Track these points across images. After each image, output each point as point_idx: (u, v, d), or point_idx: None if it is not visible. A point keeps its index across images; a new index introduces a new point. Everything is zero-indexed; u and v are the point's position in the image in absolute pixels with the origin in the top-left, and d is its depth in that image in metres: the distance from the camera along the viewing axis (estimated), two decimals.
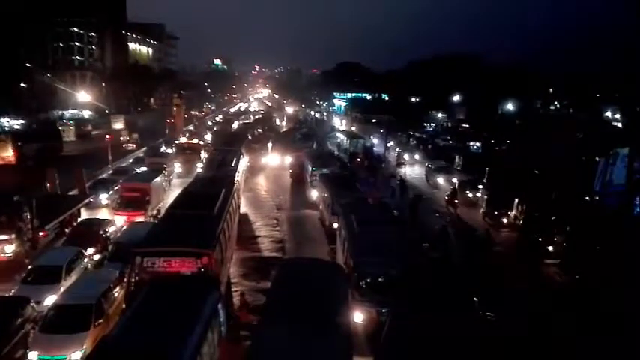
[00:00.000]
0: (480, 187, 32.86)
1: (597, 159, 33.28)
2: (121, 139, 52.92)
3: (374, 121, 75.54)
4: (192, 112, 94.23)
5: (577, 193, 30.47)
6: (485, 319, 15.57)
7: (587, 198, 30.62)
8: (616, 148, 32.03)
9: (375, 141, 57.26)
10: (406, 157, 49.97)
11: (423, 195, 33.28)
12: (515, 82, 70.03)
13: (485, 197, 30.32)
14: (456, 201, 31.35)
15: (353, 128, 73.06)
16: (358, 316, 14.19)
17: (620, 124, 59.98)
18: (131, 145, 51.57)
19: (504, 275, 20.50)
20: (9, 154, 38.22)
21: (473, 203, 31.83)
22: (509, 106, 71.23)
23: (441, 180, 38.06)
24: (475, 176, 35.74)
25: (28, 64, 77.25)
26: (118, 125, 61.17)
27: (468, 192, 32.74)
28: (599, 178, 31.50)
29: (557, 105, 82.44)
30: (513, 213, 28.05)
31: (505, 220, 27.96)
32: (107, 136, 42.36)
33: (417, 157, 52.26)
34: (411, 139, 65.67)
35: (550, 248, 22.54)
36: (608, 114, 67.61)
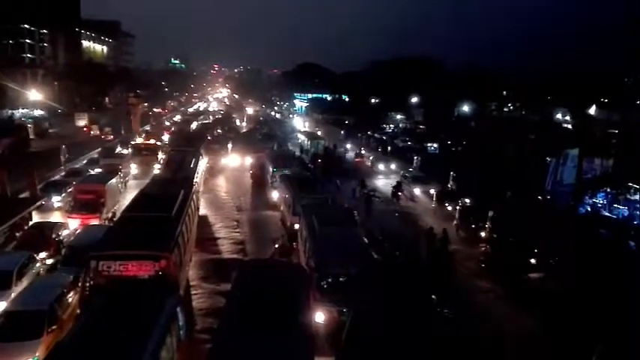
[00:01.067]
0: (466, 200, 29.59)
1: (548, 159, 34.71)
2: (92, 133, 57.69)
3: (333, 121, 76.21)
4: (155, 110, 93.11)
5: (529, 192, 31.60)
6: (443, 317, 15.96)
7: (540, 197, 31.86)
8: (566, 148, 33.51)
9: (335, 141, 57.76)
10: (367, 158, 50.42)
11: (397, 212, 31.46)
12: (471, 85, 71.98)
13: (459, 208, 28.49)
14: (400, 194, 34.70)
15: (315, 129, 73.37)
16: (319, 317, 14.27)
17: (570, 126, 62.69)
18: (110, 136, 55.38)
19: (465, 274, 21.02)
20: None
21: (451, 216, 29.21)
22: (465, 109, 73.15)
23: (417, 192, 36.02)
24: (452, 186, 35.20)
25: None
26: (82, 122, 63.60)
27: (446, 204, 31.41)
28: (550, 178, 32.85)
29: (511, 107, 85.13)
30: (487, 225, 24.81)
31: (483, 234, 24.92)
32: (85, 128, 50.71)
33: (373, 158, 51.20)
34: (370, 140, 66.49)
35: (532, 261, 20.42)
36: (559, 116, 70.43)
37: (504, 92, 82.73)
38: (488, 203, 25.99)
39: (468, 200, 29.20)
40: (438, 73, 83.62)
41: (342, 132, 69.43)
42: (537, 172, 34.07)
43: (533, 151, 42.40)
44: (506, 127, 56.87)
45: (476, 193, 30.22)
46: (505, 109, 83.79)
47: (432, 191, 34.21)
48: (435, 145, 57.72)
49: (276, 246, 21.49)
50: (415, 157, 47.31)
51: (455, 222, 27.75)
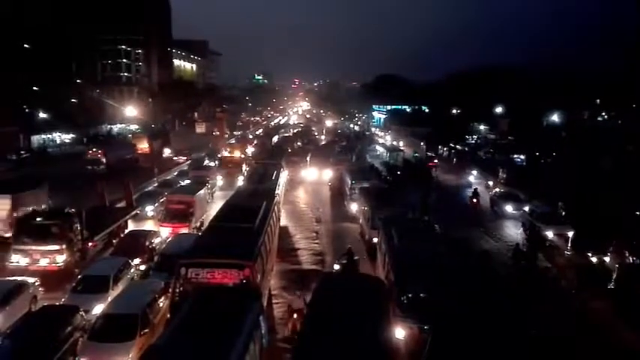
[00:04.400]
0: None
1: None
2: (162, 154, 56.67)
3: (413, 132, 75.20)
4: (248, 119, 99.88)
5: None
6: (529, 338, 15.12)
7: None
8: None
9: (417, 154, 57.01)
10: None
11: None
12: (560, 92, 68.25)
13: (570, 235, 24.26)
14: (475, 200, 33.71)
15: (394, 141, 72.68)
16: (399, 333, 13.99)
17: None
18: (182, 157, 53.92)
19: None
20: (145, 146, 54.55)
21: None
22: (555, 118, 69.36)
23: (550, 234, 26.25)
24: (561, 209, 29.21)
25: (78, 80, 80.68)
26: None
27: (590, 253, 23.09)
28: None
29: (605, 116, 79.64)
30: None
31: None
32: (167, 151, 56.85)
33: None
34: (452, 152, 64.77)
35: None
36: None
37: (597, 100, 77.67)
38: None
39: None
40: (522, 80, 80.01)
41: (422, 143, 68.28)
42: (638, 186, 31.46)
43: (632, 163, 39.28)
44: (600, 137, 53.22)
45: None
46: (599, 118, 78.54)
47: (570, 234, 25.70)
48: (522, 156, 55.12)
49: (342, 262, 20.41)
50: (501, 170, 45.37)
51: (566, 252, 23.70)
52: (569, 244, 24.98)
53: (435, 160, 52.64)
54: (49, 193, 27.91)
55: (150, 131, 68.04)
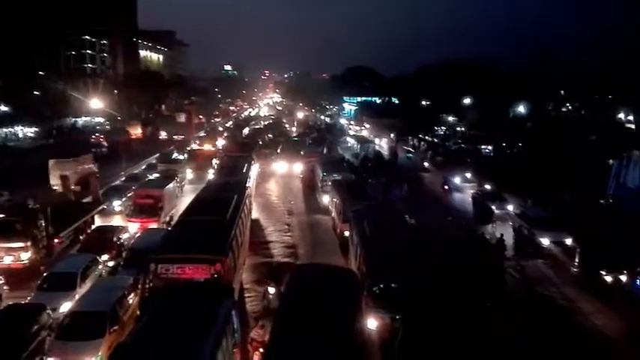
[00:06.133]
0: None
1: (611, 161, 33.04)
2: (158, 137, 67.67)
3: (383, 124, 75.71)
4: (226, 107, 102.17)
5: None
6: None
7: (602, 201, 30.40)
8: (630, 149, 31.79)
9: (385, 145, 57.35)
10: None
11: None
12: (526, 85, 69.64)
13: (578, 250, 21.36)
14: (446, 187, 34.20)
15: (364, 132, 73.00)
16: (371, 323, 14.16)
17: (633, 126, 59.44)
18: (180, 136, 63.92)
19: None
20: (139, 132, 67.69)
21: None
22: (521, 109, 70.79)
23: (546, 241, 23.89)
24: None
25: (41, 72, 78.22)
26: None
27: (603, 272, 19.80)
28: (612, 181, 31.28)
29: (570, 107, 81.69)
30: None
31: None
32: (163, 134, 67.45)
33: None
34: (421, 143, 65.50)
35: None
36: (621, 115, 66.88)
37: (562, 92, 79.55)
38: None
39: None
40: (491, 74, 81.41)
41: (392, 135, 68.80)
42: (598, 175, 32.50)
43: (593, 153, 40.47)
44: (564, 128, 54.61)
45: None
46: (563, 110, 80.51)
47: (569, 242, 23.27)
48: (490, 147, 56.15)
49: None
50: (468, 160, 45.86)
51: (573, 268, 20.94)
52: (577, 260, 20.91)
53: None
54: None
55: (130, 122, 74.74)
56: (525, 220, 25.71)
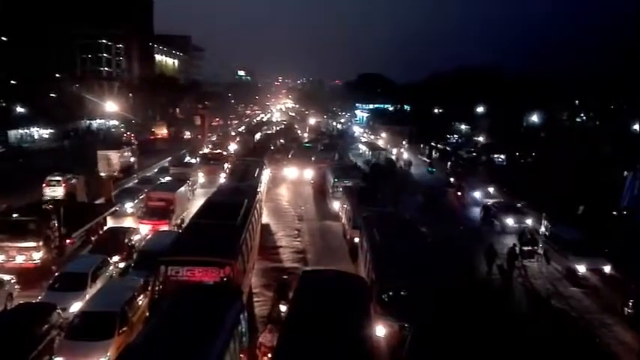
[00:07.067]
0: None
1: (625, 173, 32.58)
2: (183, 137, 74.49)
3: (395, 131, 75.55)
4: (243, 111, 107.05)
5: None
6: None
7: (615, 213, 29.95)
8: None
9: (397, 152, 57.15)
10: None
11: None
12: (540, 93, 69.11)
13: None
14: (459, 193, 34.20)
15: (379, 141, 72.86)
16: (380, 330, 14.05)
17: None
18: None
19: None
20: (164, 132, 76.73)
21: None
22: (534, 118, 70.26)
23: (582, 269, 21.24)
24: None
25: (57, 75, 79.27)
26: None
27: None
28: (627, 193, 30.80)
29: (584, 117, 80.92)
30: None
31: None
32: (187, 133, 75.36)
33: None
34: (433, 151, 65.21)
35: None
36: (637, 127, 66.02)
37: (576, 101, 78.85)
38: None
39: None
40: (504, 81, 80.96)
41: (404, 142, 68.60)
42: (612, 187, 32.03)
43: (608, 164, 39.95)
44: (578, 138, 54.07)
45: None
46: (578, 119, 79.77)
47: (607, 269, 20.89)
48: (502, 156, 55.74)
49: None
50: (480, 169, 45.42)
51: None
52: (633, 300, 17.62)
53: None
54: None
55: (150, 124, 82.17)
56: (557, 243, 22.94)
